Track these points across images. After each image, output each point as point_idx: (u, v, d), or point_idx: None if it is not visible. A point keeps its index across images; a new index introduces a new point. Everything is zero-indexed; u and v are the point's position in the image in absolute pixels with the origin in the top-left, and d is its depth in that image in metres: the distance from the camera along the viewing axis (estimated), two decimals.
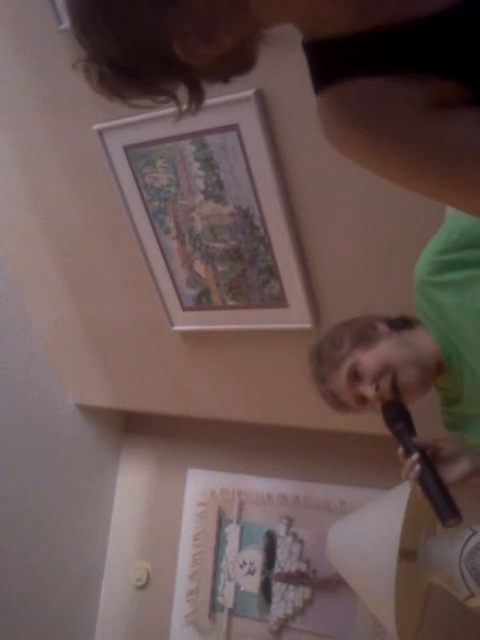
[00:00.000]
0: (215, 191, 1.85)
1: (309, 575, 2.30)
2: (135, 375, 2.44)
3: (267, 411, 2.26)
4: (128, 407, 2.63)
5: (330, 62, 0.69)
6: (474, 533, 1.51)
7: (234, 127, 1.71)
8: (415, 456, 1.25)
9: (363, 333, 1.35)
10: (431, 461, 1.26)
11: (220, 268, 1.99)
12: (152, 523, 2.70)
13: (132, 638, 2.66)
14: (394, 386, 1.29)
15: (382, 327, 1.36)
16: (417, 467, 1.24)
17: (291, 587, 2.32)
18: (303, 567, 2.31)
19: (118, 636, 2.67)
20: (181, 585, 2.56)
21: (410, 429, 1.30)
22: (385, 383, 1.29)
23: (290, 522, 2.37)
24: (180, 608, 2.54)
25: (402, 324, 1.37)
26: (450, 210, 1.46)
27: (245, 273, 1.95)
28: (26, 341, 2.44)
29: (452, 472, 1.27)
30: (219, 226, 1.91)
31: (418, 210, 1.64)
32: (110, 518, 2.78)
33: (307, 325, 1.94)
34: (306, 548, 2.32)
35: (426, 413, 1.38)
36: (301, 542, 2.34)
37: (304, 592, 2.29)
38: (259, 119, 1.67)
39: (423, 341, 1.34)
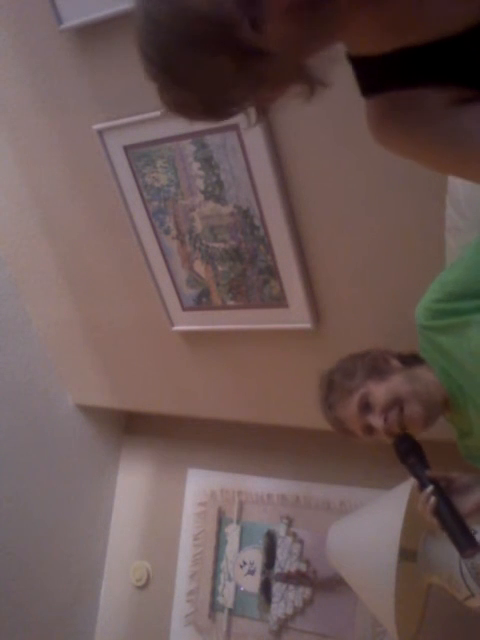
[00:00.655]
0: (215, 191, 1.85)
1: (309, 575, 2.30)
2: (135, 375, 2.44)
3: (267, 411, 2.26)
4: (128, 407, 2.63)
5: (372, 75, 0.87)
6: (474, 533, 1.51)
7: (234, 127, 1.71)
8: (429, 489, 1.29)
9: (376, 365, 1.39)
10: (445, 493, 1.29)
11: (220, 268, 1.99)
12: (152, 523, 2.70)
13: (132, 638, 2.66)
14: (400, 419, 1.33)
15: (395, 362, 1.40)
16: (432, 499, 1.27)
17: (291, 587, 2.32)
18: (303, 567, 2.31)
19: (118, 636, 2.67)
20: (181, 585, 2.56)
21: (423, 463, 1.34)
22: (393, 415, 1.33)
23: (290, 522, 2.37)
24: (180, 608, 2.54)
25: (413, 360, 1.42)
26: (449, 213, 1.46)
27: (245, 273, 1.95)
28: (26, 341, 2.44)
29: (467, 503, 1.31)
30: (219, 226, 1.91)
31: (418, 210, 1.65)
32: (110, 518, 2.78)
33: (307, 325, 1.94)
34: (306, 548, 2.32)
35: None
36: (301, 542, 2.34)
37: (304, 592, 2.29)
38: None
39: (430, 377, 1.38)
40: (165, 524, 2.64)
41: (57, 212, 2.17)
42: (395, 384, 1.35)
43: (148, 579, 2.65)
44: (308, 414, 2.09)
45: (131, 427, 2.84)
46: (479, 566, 1.48)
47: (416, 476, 1.32)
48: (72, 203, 2.12)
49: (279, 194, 1.75)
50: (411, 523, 1.49)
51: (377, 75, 0.87)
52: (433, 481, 1.30)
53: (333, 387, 1.42)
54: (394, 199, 1.66)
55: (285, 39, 0.71)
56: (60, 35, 1.79)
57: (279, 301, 1.95)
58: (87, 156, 1.99)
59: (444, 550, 1.54)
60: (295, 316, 1.94)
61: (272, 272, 1.91)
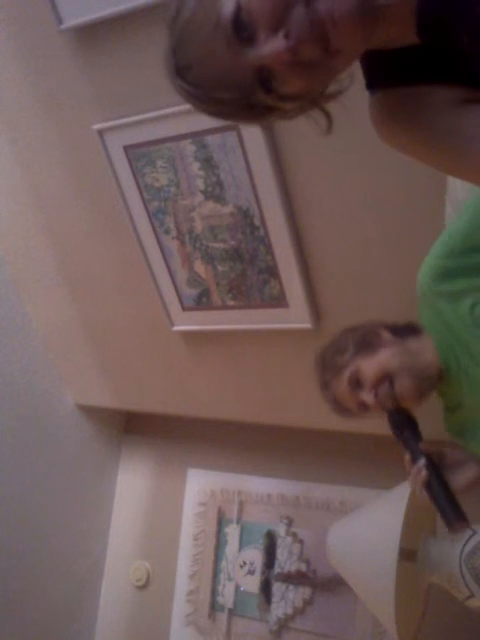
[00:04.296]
0: (215, 191, 1.85)
1: (309, 575, 2.30)
2: (135, 375, 2.44)
3: (267, 411, 2.26)
4: (128, 407, 2.63)
5: (379, 69, 0.87)
6: (474, 533, 1.51)
7: (234, 127, 1.71)
8: (422, 462, 1.27)
9: (366, 340, 1.36)
10: (438, 467, 1.27)
11: (220, 268, 1.98)
12: (152, 523, 2.70)
13: (132, 638, 2.66)
14: (391, 394, 1.30)
15: (386, 334, 1.36)
16: (423, 472, 1.25)
17: (291, 587, 2.32)
18: (303, 567, 2.31)
19: (118, 636, 2.67)
20: (181, 585, 2.56)
21: (416, 436, 1.31)
22: (384, 390, 1.30)
23: (290, 522, 2.37)
24: (180, 608, 2.54)
25: (407, 331, 1.37)
26: (449, 213, 1.46)
27: (245, 273, 1.95)
28: (26, 341, 2.44)
29: (459, 478, 1.28)
30: (219, 226, 1.91)
31: (417, 210, 1.65)
32: (110, 518, 2.78)
33: (307, 325, 1.94)
34: (306, 548, 2.33)
35: (431, 417, 1.39)
36: (301, 542, 2.34)
37: (304, 592, 2.29)
38: None
39: (425, 349, 1.34)
40: (165, 524, 2.64)
41: (57, 212, 2.17)
42: (385, 358, 1.31)
43: (148, 579, 2.65)
44: (308, 414, 2.09)
45: (131, 427, 2.84)
46: (479, 566, 1.48)
47: (409, 448, 1.30)
48: (72, 203, 2.12)
49: (279, 194, 1.75)
50: (411, 523, 1.49)
51: (384, 70, 0.86)
52: (426, 454, 1.27)
53: (325, 365, 1.39)
54: (394, 199, 1.66)
55: (295, 93, 0.78)
56: (60, 35, 1.79)
57: (279, 301, 1.95)
58: (87, 156, 1.99)
59: (444, 550, 1.54)
60: (295, 316, 1.94)
61: (272, 272, 1.91)
